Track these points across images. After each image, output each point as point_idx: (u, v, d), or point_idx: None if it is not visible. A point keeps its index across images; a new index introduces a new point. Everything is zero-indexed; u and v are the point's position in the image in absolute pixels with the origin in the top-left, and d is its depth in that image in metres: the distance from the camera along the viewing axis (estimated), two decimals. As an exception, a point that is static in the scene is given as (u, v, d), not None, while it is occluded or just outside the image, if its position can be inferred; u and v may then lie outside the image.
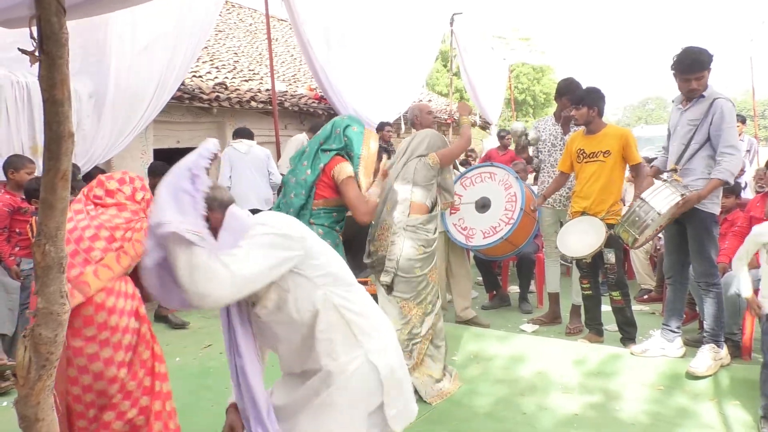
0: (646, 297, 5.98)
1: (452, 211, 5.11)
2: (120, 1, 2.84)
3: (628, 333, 4.47)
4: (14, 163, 4.37)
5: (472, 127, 4.07)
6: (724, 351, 3.87)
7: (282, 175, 5.90)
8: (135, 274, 2.40)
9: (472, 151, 10.90)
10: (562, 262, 5.47)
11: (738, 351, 4.18)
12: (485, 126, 14.43)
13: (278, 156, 7.24)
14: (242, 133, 6.61)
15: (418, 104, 5.00)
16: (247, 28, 12.49)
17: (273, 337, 1.90)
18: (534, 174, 6.76)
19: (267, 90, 8.02)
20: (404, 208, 3.74)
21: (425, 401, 3.55)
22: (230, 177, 6.36)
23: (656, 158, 4.51)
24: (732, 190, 4.71)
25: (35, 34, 1.03)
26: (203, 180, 1.75)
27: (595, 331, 4.64)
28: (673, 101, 4.17)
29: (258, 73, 9.44)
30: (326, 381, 1.82)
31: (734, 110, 3.83)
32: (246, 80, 8.68)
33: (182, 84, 6.40)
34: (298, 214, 3.25)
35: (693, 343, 4.24)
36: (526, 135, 6.40)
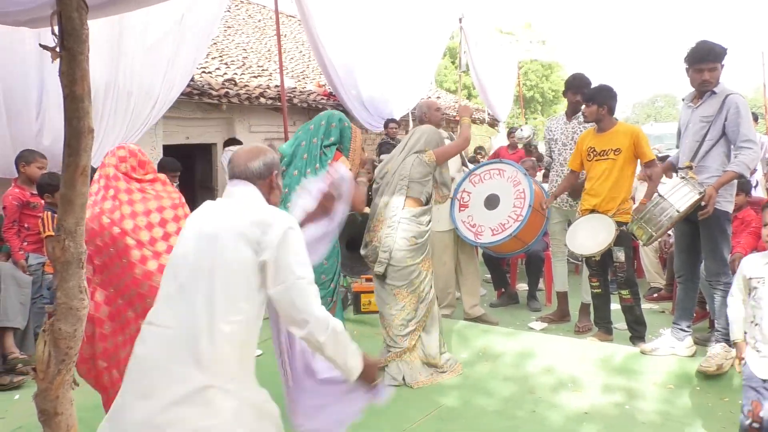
0: (655, 295, 5.95)
1: (461, 209, 5.10)
2: (139, 1, 2.86)
3: (637, 331, 4.45)
4: (26, 156, 4.40)
5: (480, 125, 4.12)
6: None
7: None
8: None
9: (481, 148, 10.89)
10: (572, 260, 5.45)
11: (749, 350, 4.16)
12: (494, 123, 14.39)
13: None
14: (233, 142, 7.08)
15: (426, 101, 4.99)
16: (256, 25, 12.49)
17: None
18: (543, 172, 6.74)
19: (276, 86, 8.02)
20: (399, 202, 3.93)
21: (408, 385, 3.79)
22: None
23: (667, 156, 4.49)
24: (742, 187, 4.68)
25: (57, 31, 1.04)
26: None
27: (605, 329, 4.63)
28: (683, 99, 4.14)
29: (267, 70, 9.44)
30: None
31: (748, 105, 3.81)
32: (255, 76, 8.69)
33: (191, 80, 6.42)
34: None
35: (703, 342, 4.22)
36: (531, 142, 6.44)
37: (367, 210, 5.02)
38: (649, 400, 3.58)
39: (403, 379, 3.84)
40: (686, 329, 4.06)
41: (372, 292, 5.19)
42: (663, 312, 5.52)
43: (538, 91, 30.14)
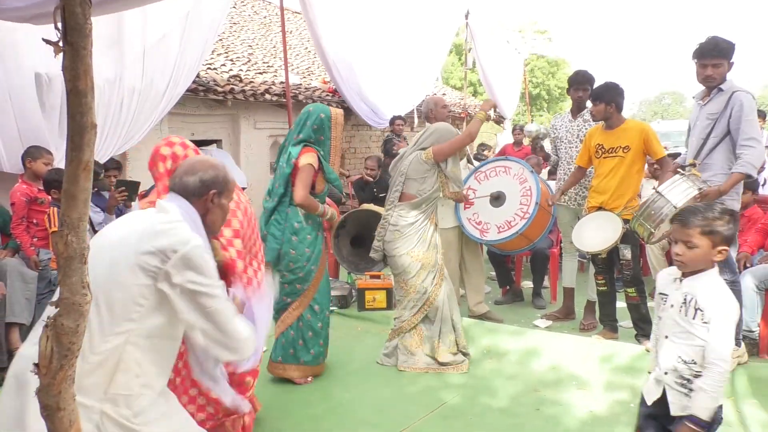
0: (661, 294, 5.92)
1: (466, 206, 5.08)
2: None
3: (643, 330, 4.43)
4: (32, 153, 4.41)
5: (485, 122, 4.10)
6: (742, 349, 3.83)
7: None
8: None
9: (485, 146, 10.86)
10: (579, 258, 5.43)
11: (755, 349, 4.14)
12: (499, 121, 14.35)
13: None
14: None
15: (432, 97, 4.97)
16: (262, 21, 12.49)
17: None
18: (548, 169, 6.72)
19: (281, 82, 8.02)
20: (395, 197, 4.11)
21: (398, 369, 3.98)
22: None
23: (677, 154, 4.47)
24: (749, 186, 4.65)
25: (59, 25, 1.04)
26: None
27: (610, 327, 4.61)
28: (693, 97, 4.11)
29: (272, 66, 9.44)
30: None
31: (754, 103, 3.78)
32: (260, 73, 8.69)
33: (197, 76, 6.42)
34: (280, 202, 3.66)
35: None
36: (539, 137, 6.40)
37: (371, 207, 5.02)
38: (654, 398, 3.56)
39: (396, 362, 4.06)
40: (692, 328, 4.04)
41: (376, 288, 5.20)
42: (669, 310, 5.49)
43: (544, 89, 30.04)
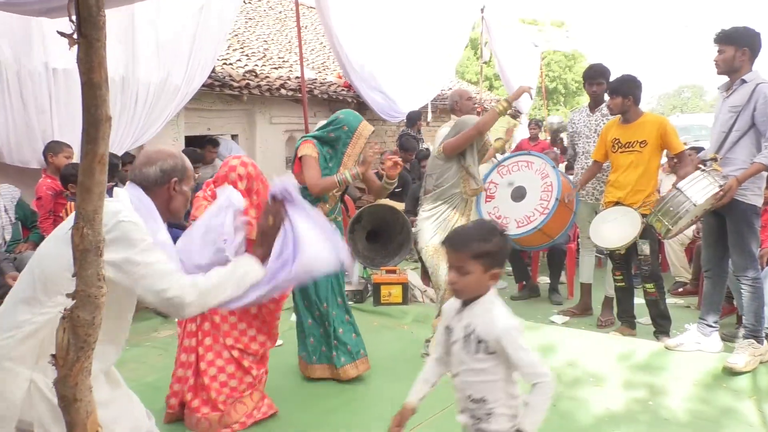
0: (681, 290, 5.86)
1: (487, 199, 5.05)
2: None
3: (661, 326, 4.38)
4: (53, 147, 4.47)
5: (501, 115, 3.99)
6: (765, 347, 3.77)
7: None
8: None
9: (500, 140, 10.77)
10: (597, 254, 5.37)
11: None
12: (516, 115, 14.26)
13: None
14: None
15: (458, 90, 4.94)
16: (277, 16, 12.51)
17: None
18: (566, 164, 6.66)
19: (296, 77, 8.02)
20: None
21: None
22: None
23: (702, 149, 4.40)
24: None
25: (74, 18, 1.03)
26: None
27: (628, 323, 4.56)
28: (718, 89, 4.03)
29: (288, 61, 9.45)
30: None
31: None
32: (276, 68, 8.70)
33: (213, 71, 6.45)
34: None
35: (730, 338, 4.15)
36: (560, 130, 6.32)
37: (387, 201, 4.99)
38: (673, 396, 3.51)
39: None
40: (713, 325, 3.99)
41: (391, 283, 5.20)
42: (688, 307, 5.43)
43: (561, 83, 29.82)
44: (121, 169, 4.99)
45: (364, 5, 8.03)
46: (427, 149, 7.45)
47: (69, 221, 1.73)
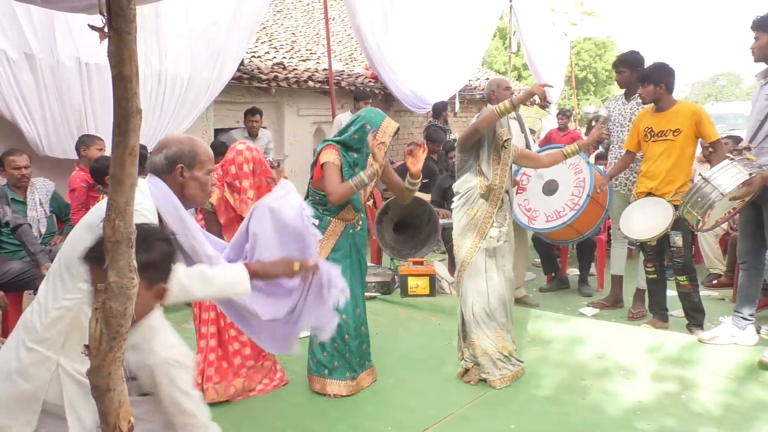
0: (715, 282, 5.74)
1: (518, 191, 5.01)
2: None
3: (695, 319, 4.29)
4: (85, 141, 4.56)
5: (530, 106, 3.89)
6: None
7: None
8: None
9: (531, 131, 10.68)
10: (628, 245, 5.28)
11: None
12: (545, 105, 14.08)
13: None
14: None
15: (495, 79, 4.90)
16: (305, 8, 12.53)
17: None
18: (596, 153, 6.56)
19: (324, 69, 8.04)
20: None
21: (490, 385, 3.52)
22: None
23: (739, 138, 4.29)
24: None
25: (104, 11, 1.05)
26: None
27: (660, 316, 4.49)
28: (755, 76, 3.92)
29: (315, 53, 9.47)
30: None
31: None
32: (303, 60, 8.73)
33: (241, 64, 6.49)
34: (307, 192, 3.55)
35: (767, 332, 4.04)
36: (597, 119, 6.20)
37: (421, 195, 4.94)
38: (706, 390, 3.45)
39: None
40: (749, 318, 3.89)
41: (418, 275, 5.18)
42: (723, 299, 5.32)
43: (591, 72, 29.29)
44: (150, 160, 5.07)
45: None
46: (455, 140, 7.41)
47: (93, 211, 1.82)
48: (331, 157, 3.31)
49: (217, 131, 6.90)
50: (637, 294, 4.86)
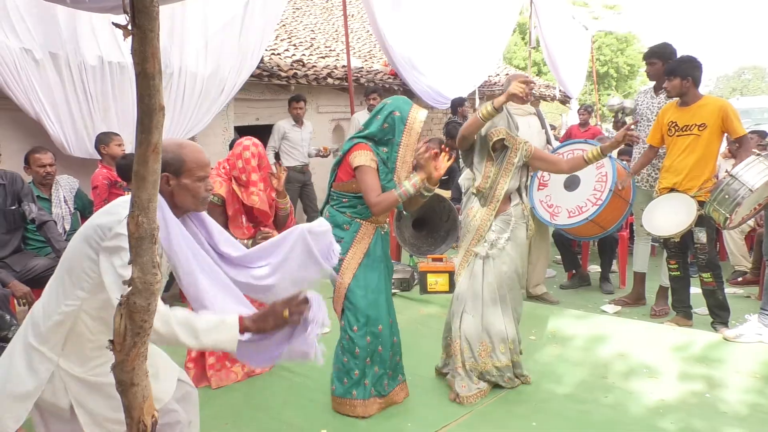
0: (740, 279, 5.65)
1: (540, 187, 4.97)
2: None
3: (720, 317, 4.23)
4: (102, 139, 4.62)
5: (550, 102, 3.73)
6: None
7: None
8: None
9: (552, 126, 10.59)
10: (651, 242, 5.21)
11: None
12: (565, 101, 13.94)
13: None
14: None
15: (514, 75, 4.83)
16: (324, 5, 12.55)
17: None
18: (620, 148, 6.46)
19: (343, 66, 8.04)
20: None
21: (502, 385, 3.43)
22: None
23: (764, 132, 4.21)
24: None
25: (128, 9, 1.05)
26: None
27: (683, 314, 4.43)
28: None
29: (334, 50, 9.48)
30: None
31: None
32: (322, 57, 8.74)
33: (261, 62, 6.52)
34: (328, 196, 3.22)
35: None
36: (623, 111, 6.10)
37: (440, 192, 4.92)
38: (732, 389, 3.39)
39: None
40: (775, 315, 3.83)
41: (437, 272, 5.16)
42: (749, 297, 5.23)
43: (612, 66, 28.96)
44: None
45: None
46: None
47: (88, 223, 1.84)
48: (365, 159, 3.00)
49: (237, 128, 6.94)
50: (661, 291, 4.80)
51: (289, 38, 9.24)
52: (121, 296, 1.22)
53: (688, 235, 4.18)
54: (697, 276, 4.37)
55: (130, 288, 1.18)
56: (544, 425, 3.05)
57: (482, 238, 3.39)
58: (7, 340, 2.96)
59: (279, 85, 7.26)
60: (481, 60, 9.47)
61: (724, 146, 5.32)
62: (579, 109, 9.02)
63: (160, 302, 1.73)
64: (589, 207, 4.74)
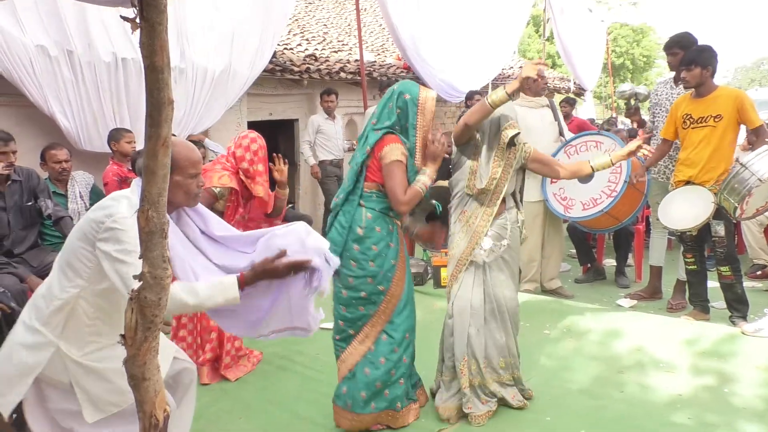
0: (759, 273, 5.57)
1: (553, 180, 4.92)
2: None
3: (738, 311, 4.17)
4: (114, 136, 4.64)
5: (565, 94, 3.52)
6: None
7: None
8: None
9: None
10: (668, 235, 5.15)
11: None
12: (580, 93, 13.81)
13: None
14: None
15: (528, 63, 4.76)
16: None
17: None
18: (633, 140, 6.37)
19: (356, 60, 8.02)
20: None
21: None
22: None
23: None
24: None
25: (136, 2, 1.05)
26: None
27: (700, 307, 4.37)
28: None
29: (347, 44, 9.46)
30: None
31: None
32: (335, 51, 8.73)
33: (274, 56, 6.52)
34: (346, 200, 2.91)
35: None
36: (636, 97, 5.98)
37: (446, 183, 4.91)
38: (750, 384, 3.34)
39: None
40: (794, 310, 3.77)
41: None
42: (767, 291, 5.15)
43: (628, 58, 28.65)
44: None
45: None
46: None
47: (85, 219, 1.96)
48: (398, 153, 2.82)
49: (250, 123, 6.96)
50: (678, 285, 4.74)
51: (301, 33, 9.23)
52: (132, 291, 1.22)
53: (705, 229, 4.12)
54: (714, 269, 4.31)
55: (141, 283, 1.18)
56: (559, 420, 3.03)
57: (478, 245, 3.06)
58: None
59: (292, 80, 7.26)
60: (494, 53, 9.41)
61: (743, 137, 5.24)
62: (561, 102, 8.71)
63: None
64: (603, 199, 4.69)
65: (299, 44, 8.33)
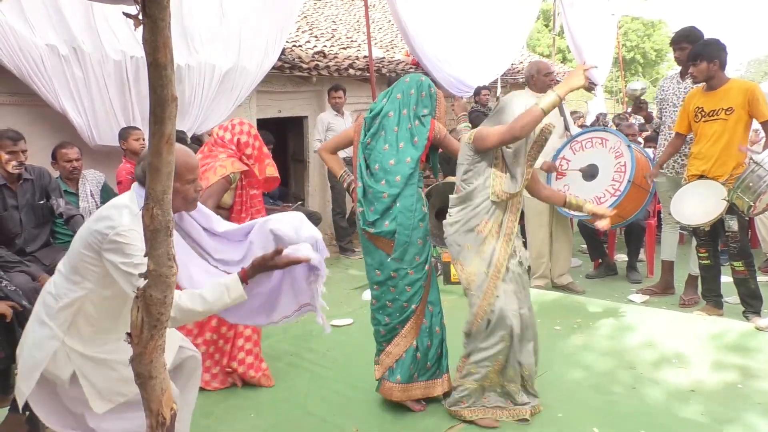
0: (773, 267, 5.50)
1: (558, 177, 4.88)
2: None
3: (752, 306, 4.12)
4: (123, 134, 4.67)
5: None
6: None
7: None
8: None
9: (579, 115, 10.42)
10: (681, 230, 5.09)
11: None
12: (591, 87, 13.69)
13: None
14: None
15: (536, 62, 4.67)
16: (344, -4, 12.51)
17: None
18: (647, 135, 6.33)
19: (365, 57, 8.00)
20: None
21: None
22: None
23: None
24: None
25: (138, -2, 1.04)
26: None
27: (713, 303, 4.33)
28: None
29: (356, 41, 9.44)
30: None
31: None
32: (344, 48, 8.70)
33: (282, 53, 6.52)
34: (407, 185, 2.95)
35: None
36: (642, 93, 5.94)
37: (451, 179, 4.89)
38: (764, 380, 3.31)
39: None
40: (809, 304, 3.72)
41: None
42: (781, 286, 5.09)
43: (639, 52, 28.41)
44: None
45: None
46: None
47: (87, 224, 2.01)
48: (443, 129, 3.09)
49: (259, 121, 6.96)
50: (690, 280, 4.70)
51: (310, 29, 9.22)
52: (137, 289, 1.22)
53: (718, 223, 4.08)
54: (727, 264, 4.26)
55: (146, 281, 1.18)
56: (571, 415, 3.01)
57: (515, 252, 2.95)
58: None
59: (300, 77, 7.25)
60: (504, 47, 9.35)
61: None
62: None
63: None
64: (607, 198, 4.63)
65: (308, 41, 8.32)
